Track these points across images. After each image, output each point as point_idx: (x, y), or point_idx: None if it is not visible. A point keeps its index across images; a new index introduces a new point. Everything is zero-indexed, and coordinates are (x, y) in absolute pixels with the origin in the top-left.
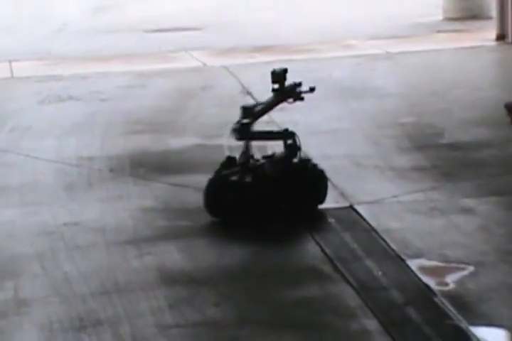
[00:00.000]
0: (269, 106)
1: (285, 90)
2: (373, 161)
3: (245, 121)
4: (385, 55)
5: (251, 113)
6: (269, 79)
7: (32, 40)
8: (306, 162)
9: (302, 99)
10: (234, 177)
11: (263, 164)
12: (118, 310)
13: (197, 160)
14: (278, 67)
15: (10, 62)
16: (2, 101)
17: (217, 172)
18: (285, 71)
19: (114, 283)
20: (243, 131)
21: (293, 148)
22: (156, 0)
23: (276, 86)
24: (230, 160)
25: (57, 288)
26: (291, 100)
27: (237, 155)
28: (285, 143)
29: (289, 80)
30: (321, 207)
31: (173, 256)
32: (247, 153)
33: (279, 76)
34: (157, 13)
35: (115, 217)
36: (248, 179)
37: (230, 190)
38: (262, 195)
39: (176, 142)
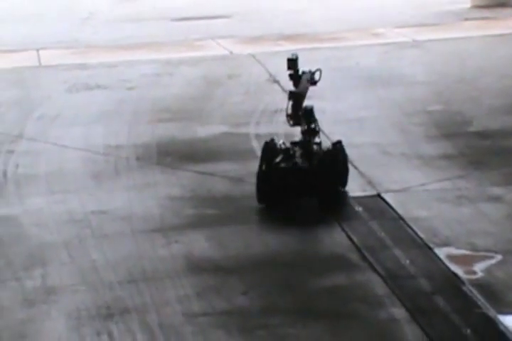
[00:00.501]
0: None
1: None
2: (401, 149)
3: (310, 105)
4: (413, 43)
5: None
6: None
7: (59, 28)
8: (339, 145)
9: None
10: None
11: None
12: (145, 298)
13: (224, 149)
14: (305, 55)
15: (37, 50)
16: (30, 89)
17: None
18: (297, 58)
19: (141, 272)
20: (310, 115)
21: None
22: None
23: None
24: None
25: (84, 276)
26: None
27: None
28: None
29: (316, 68)
30: (348, 195)
31: (200, 244)
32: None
33: (294, 63)
34: (184, 2)
35: (142, 205)
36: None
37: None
38: (323, 178)
39: (203, 130)
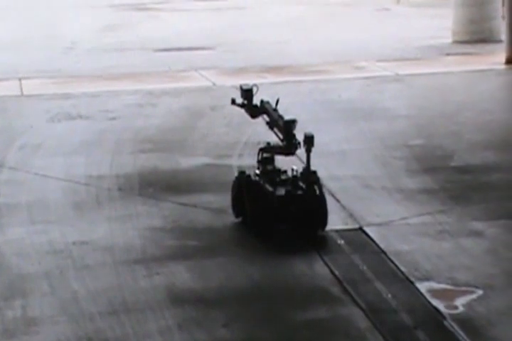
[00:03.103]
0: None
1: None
2: (382, 183)
3: (311, 133)
4: (395, 76)
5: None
6: (278, 99)
7: (42, 58)
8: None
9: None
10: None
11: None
12: (126, 329)
13: (206, 180)
14: (288, 87)
15: (20, 79)
16: (12, 118)
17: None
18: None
19: (122, 303)
20: (311, 142)
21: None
22: (167, 19)
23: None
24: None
25: (65, 307)
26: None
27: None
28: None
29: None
30: (330, 228)
31: (182, 275)
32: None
33: (250, 93)
34: (168, 33)
35: (124, 236)
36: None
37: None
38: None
39: (186, 161)
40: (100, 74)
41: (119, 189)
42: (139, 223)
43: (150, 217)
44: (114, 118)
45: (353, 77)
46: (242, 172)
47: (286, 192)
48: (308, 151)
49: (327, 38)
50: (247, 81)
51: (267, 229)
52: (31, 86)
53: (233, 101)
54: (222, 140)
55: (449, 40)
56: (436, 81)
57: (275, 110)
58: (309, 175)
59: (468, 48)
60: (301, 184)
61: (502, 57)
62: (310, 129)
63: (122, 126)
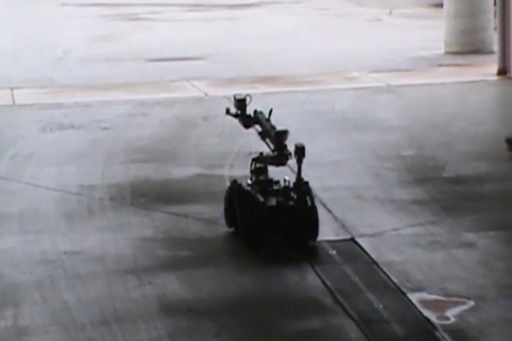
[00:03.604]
0: None
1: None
2: (374, 193)
3: (301, 143)
4: (387, 87)
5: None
6: (271, 109)
7: (33, 67)
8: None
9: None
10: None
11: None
12: (117, 339)
13: (198, 190)
14: (280, 98)
15: (11, 89)
16: (3, 128)
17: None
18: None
19: (113, 313)
20: (302, 153)
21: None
22: (159, 29)
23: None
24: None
25: (56, 316)
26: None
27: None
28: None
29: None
30: (322, 238)
31: (173, 286)
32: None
33: (243, 103)
34: (160, 43)
35: (115, 246)
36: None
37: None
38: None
39: (177, 171)
40: (92, 84)
41: (111, 199)
42: (131, 233)
43: (141, 227)
44: (106, 128)
45: (345, 88)
46: (234, 182)
47: (277, 202)
48: (299, 162)
49: (319, 49)
50: (239, 91)
51: (258, 239)
52: (23, 95)
53: (227, 111)
54: (214, 150)
55: (441, 51)
56: (428, 92)
57: (268, 120)
58: (300, 186)
59: (460, 59)
60: (292, 194)
61: (494, 68)
62: (302, 140)
63: (114, 136)
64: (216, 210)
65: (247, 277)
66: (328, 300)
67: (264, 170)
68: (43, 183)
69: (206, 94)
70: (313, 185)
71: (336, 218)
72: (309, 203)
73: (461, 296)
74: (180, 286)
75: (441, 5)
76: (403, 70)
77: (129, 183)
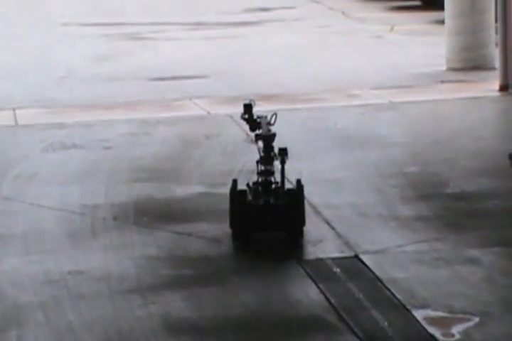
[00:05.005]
0: None
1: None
2: (377, 210)
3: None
4: (389, 104)
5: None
6: (274, 114)
7: (35, 87)
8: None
9: None
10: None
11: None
12: None
13: (201, 209)
14: (282, 115)
15: (14, 109)
16: (6, 148)
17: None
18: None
19: (118, 332)
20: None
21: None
22: (161, 48)
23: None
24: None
25: (61, 337)
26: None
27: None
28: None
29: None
30: (326, 256)
31: (177, 304)
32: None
33: (250, 108)
34: (162, 61)
35: (119, 265)
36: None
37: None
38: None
39: (180, 190)
40: (94, 104)
41: (114, 218)
42: (134, 252)
43: (145, 246)
44: (108, 148)
45: (347, 105)
46: (234, 181)
47: (265, 202)
48: (282, 163)
49: (320, 66)
50: (242, 110)
51: (245, 237)
52: (25, 116)
53: (242, 116)
54: (217, 168)
55: (443, 67)
56: (430, 108)
57: (269, 124)
58: (284, 185)
59: (462, 75)
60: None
61: (496, 84)
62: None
63: (117, 155)
64: (219, 228)
65: (250, 295)
66: (332, 318)
67: (268, 172)
68: (46, 203)
69: (209, 113)
70: (317, 202)
71: (339, 235)
72: (293, 202)
73: (465, 313)
74: (184, 305)
75: (442, 21)
76: (405, 87)
77: (132, 202)
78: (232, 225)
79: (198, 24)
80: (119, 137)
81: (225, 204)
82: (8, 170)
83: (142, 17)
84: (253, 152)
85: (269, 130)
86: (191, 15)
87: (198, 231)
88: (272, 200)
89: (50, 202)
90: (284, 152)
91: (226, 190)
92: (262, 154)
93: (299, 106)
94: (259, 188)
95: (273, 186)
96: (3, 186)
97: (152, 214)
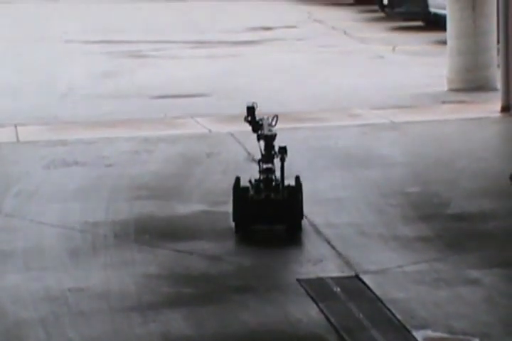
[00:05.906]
0: None
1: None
2: (378, 230)
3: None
4: (390, 124)
5: None
6: (275, 116)
7: (37, 104)
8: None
9: None
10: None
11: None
12: None
13: (202, 227)
14: (283, 134)
15: (16, 126)
16: (8, 165)
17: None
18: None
19: None
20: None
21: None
22: (163, 66)
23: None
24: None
25: None
26: None
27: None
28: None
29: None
30: (326, 275)
31: (177, 323)
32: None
33: (252, 110)
34: (164, 79)
35: (119, 283)
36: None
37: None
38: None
39: (182, 208)
40: (96, 121)
41: (115, 235)
42: (135, 270)
43: (146, 263)
44: (110, 165)
45: (349, 125)
46: (237, 178)
47: (266, 196)
48: (282, 160)
49: (322, 85)
50: (243, 128)
51: (245, 230)
52: (27, 132)
53: (245, 119)
54: (218, 187)
55: (445, 88)
56: (431, 129)
57: (270, 125)
58: (284, 182)
59: (464, 96)
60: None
61: (497, 105)
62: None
63: (118, 173)
64: (220, 247)
65: (250, 314)
66: (332, 338)
67: (267, 170)
68: (47, 220)
69: (210, 131)
70: (318, 221)
71: (339, 254)
72: (292, 197)
73: (465, 333)
74: (185, 323)
75: (444, 42)
76: (406, 107)
77: (133, 220)
78: (234, 219)
79: (201, 43)
80: (121, 155)
81: (227, 223)
82: (9, 186)
83: (145, 35)
84: (254, 170)
85: (270, 130)
86: (194, 34)
87: (199, 249)
88: (272, 195)
89: (50, 219)
90: (283, 150)
91: (227, 208)
92: (263, 153)
93: (300, 125)
94: (261, 185)
95: (273, 183)
96: (4, 203)
97: (153, 231)
